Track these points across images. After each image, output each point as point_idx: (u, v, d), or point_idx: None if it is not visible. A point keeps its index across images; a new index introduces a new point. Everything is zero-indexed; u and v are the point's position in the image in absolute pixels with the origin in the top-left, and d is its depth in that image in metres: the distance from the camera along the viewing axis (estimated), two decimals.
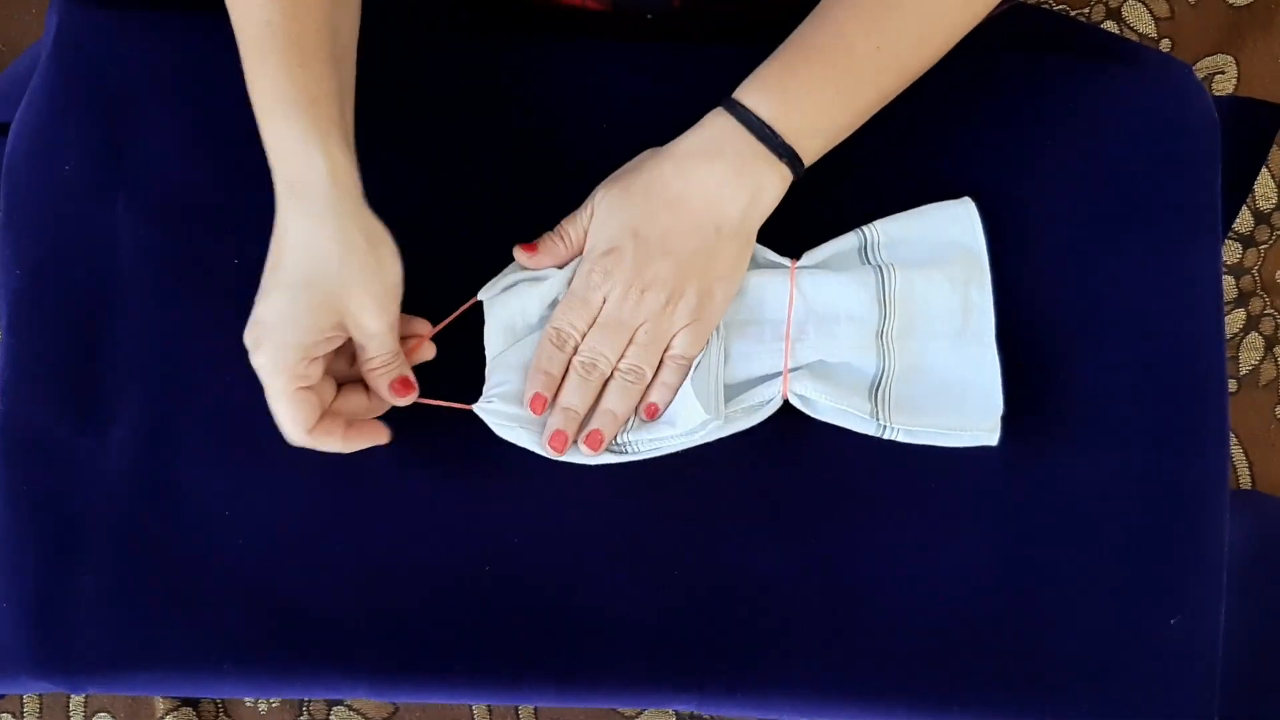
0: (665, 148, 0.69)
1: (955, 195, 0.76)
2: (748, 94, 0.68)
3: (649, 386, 0.70)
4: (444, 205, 0.75)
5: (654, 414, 0.70)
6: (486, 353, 0.71)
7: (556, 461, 0.70)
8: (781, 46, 0.69)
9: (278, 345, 0.64)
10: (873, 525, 0.74)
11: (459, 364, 0.71)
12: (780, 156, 0.67)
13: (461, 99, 0.76)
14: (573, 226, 0.70)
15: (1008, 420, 0.72)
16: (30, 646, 0.71)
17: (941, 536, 0.74)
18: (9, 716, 1.30)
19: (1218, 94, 1.40)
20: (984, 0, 0.68)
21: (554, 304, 0.71)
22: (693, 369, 0.70)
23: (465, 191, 0.75)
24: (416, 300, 0.71)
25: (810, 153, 0.68)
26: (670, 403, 0.70)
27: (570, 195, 0.71)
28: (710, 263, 0.68)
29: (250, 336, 0.65)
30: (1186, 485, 0.76)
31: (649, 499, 0.73)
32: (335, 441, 0.67)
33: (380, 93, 0.73)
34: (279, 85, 0.63)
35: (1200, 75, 1.39)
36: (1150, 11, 1.43)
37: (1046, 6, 1.42)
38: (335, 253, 0.63)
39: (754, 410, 0.71)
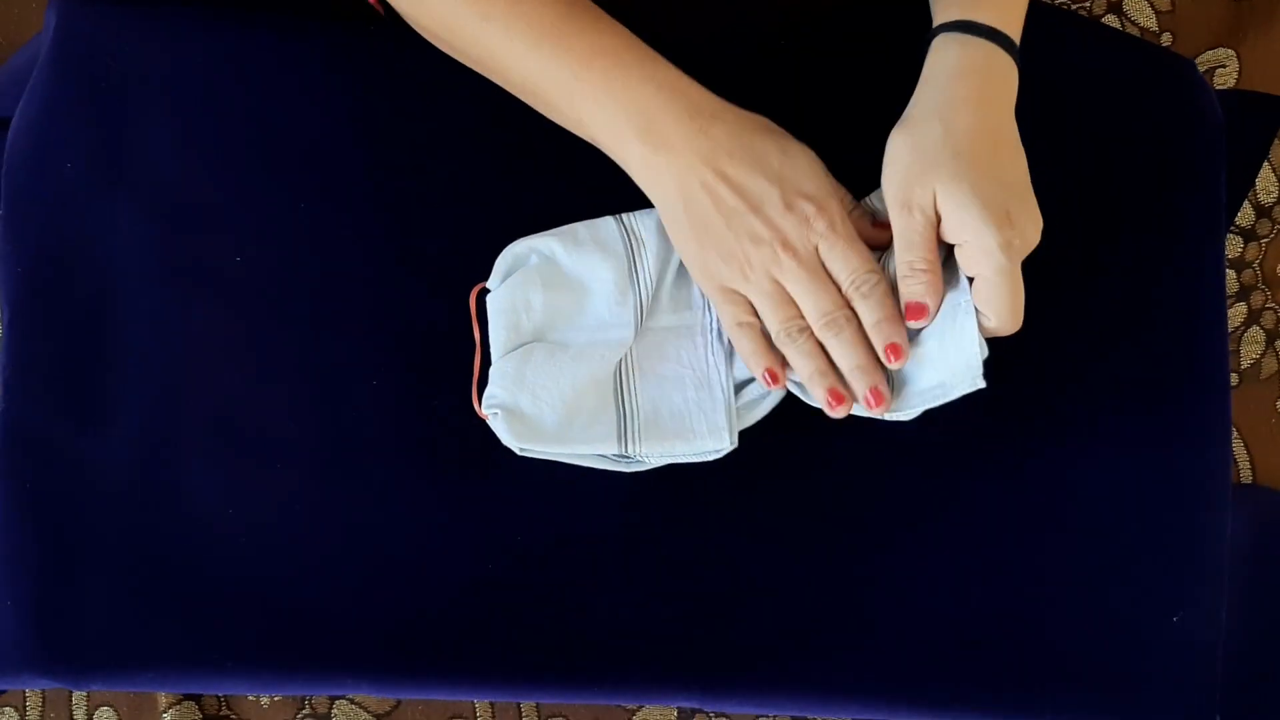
0: (932, 103, 0.66)
1: None
2: (972, 9, 0.67)
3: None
4: (436, 199, 0.75)
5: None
6: (492, 350, 0.71)
7: (559, 463, 0.70)
8: None
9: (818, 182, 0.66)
10: (874, 525, 0.74)
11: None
12: (1013, 57, 0.67)
13: (452, 88, 0.75)
14: (912, 247, 0.66)
15: (1009, 418, 0.72)
16: (33, 643, 0.71)
17: (942, 535, 0.74)
18: (11, 711, 1.30)
19: (1219, 88, 1.40)
20: None
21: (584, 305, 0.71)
22: (710, 390, 0.70)
23: (465, 183, 0.75)
24: (420, 296, 0.71)
25: (1018, 44, 0.68)
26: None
27: (564, 187, 0.71)
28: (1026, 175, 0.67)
29: (777, 194, 0.65)
30: (1188, 480, 0.76)
31: (652, 500, 0.73)
32: None
33: (376, 88, 0.73)
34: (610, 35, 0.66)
35: (1202, 69, 1.39)
36: (1151, 5, 1.42)
37: (1048, 1, 1.41)
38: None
39: (756, 404, 0.71)
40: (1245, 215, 1.41)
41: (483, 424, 0.70)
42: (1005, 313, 0.64)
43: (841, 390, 0.67)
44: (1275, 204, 1.42)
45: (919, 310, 0.66)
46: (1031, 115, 0.76)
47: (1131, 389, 0.76)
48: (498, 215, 0.73)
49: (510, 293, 0.71)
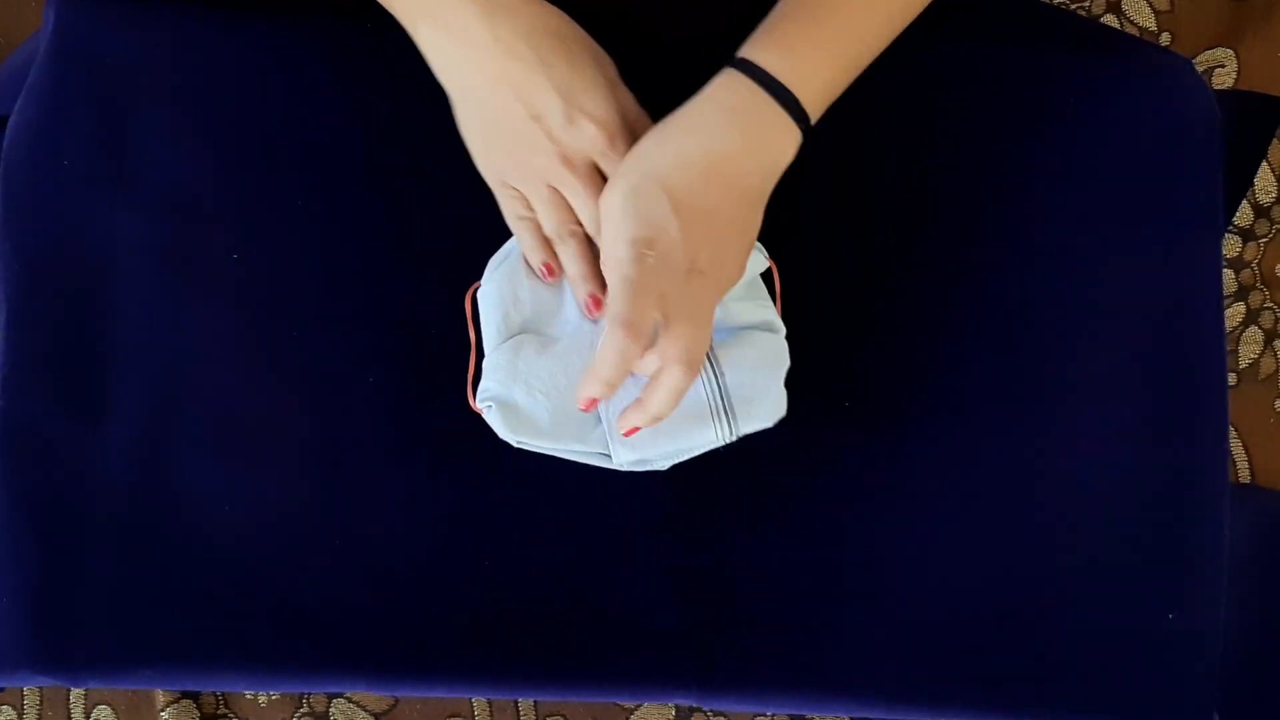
0: (674, 118, 0.65)
1: (950, 189, 0.76)
2: (758, 52, 0.65)
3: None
4: (419, 197, 0.75)
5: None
6: (485, 344, 0.71)
7: (557, 461, 0.70)
8: (780, 4, 0.67)
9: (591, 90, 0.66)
10: (872, 523, 0.74)
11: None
12: (793, 116, 0.65)
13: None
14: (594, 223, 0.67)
15: (1006, 417, 0.73)
16: (31, 641, 0.71)
17: (940, 534, 0.74)
18: (9, 709, 1.30)
19: (1217, 87, 1.40)
20: None
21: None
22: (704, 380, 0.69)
23: (464, 181, 0.74)
24: (418, 295, 0.71)
25: (816, 111, 0.66)
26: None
27: None
28: (745, 231, 0.66)
29: (560, 108, 0.65)
30: (1186, 480, 0.76)
31: (650, 496, 0.73)
32: None
33: (354, 85, 0.73)
34: None
35: (1200, 69, 1.39)
36: (1150, 4, 1.42)
37: (1046, 0, 1.41)
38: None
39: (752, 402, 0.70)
40: (1244, 215, 1.41)
41: (481, 423, 0.70)
42: (611, 335, 0.60)
43: (602, 297, 0.68)
44: (1273, 204, 1.42)
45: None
46: (1030, 114, 0.77)
47: (1129, 388, 0.76)
48: (496, 213, 0.72)
49: (498, 286, 0.71)
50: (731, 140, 0.64)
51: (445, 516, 0.73)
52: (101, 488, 0.72)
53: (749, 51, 0.65)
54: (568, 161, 0.66)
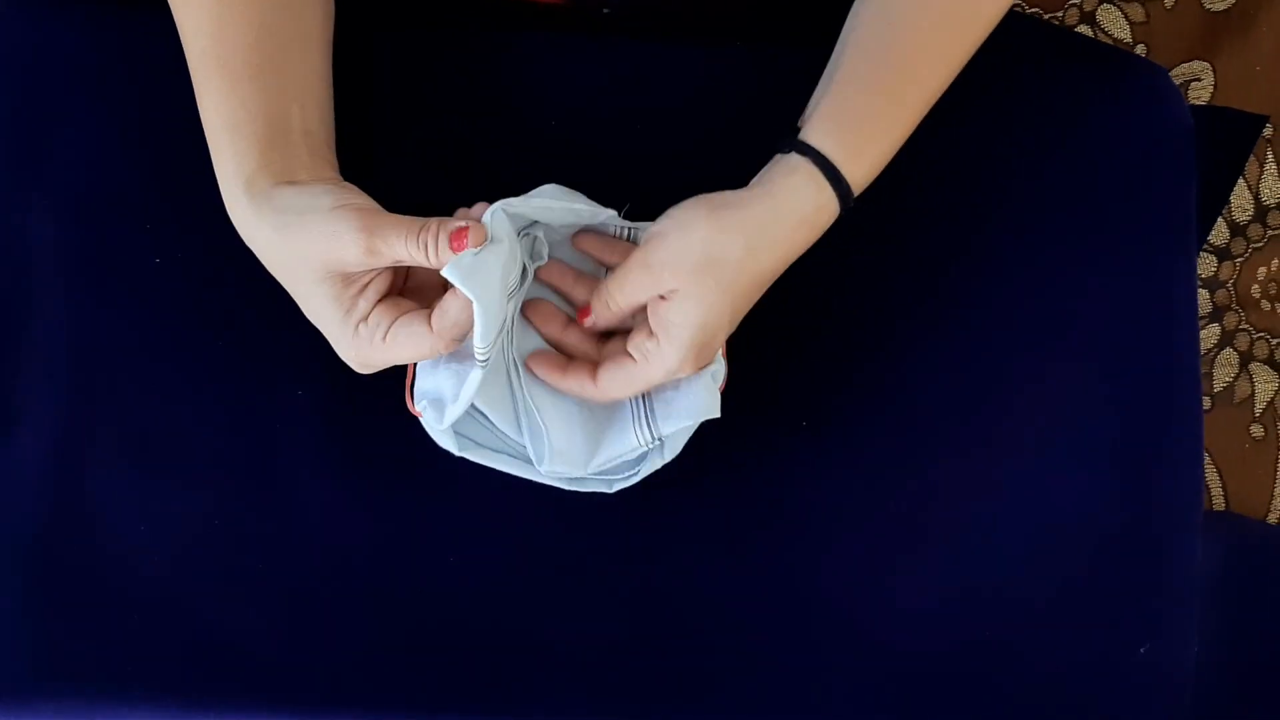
0: (747, 210, 0.63)
1: (917, 201, 0.75)
2: (819, 135, 0.63)
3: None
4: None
5: None
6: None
7: (497, 480, 0.68)
8: (838, 73, 0.66)
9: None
10: (829, 548, 0.73)
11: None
12: (843, 203, 0.64)
13: (416, 93, 0.75)
14: (623, 293, 0.64)
15: (974, 441, 0.73)
16: None
17: (902, 560, 0.73)
18: None
19: (1194, 102, 1.40)
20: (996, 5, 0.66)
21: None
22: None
23: (398, 180, 0.72)
24: None
25: (860, 189, 0.65)
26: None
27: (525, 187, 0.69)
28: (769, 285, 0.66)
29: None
30: (1158, 507, 0.75)
31: (593, 521, 0.72)
32: (421, 328, 0.61)
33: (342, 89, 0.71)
34: (211, 112, 0.62)
35: (1176, 82, 1.38)
36: (1125, 16, 1.43)
37: (1019, 10, 1.40)
38: (275, 240, 0.60)
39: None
40: (1219, 233, 1.41)
41: (422, 437, 0.68)
42: (604, 391, 0.64)
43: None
44: (1250, 222, 1.42)
45: (585, 313, 0.67)
46: (1001, 126, 0.77)
47: (1102, 412, 0.75)
48: (439, 213, 0.70)
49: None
50: (799, 245, 0.64)
51: (377, 540, 0.71)
52: (8, 503, 0.70)
53: (818, 136, 0.64)
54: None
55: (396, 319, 0.60)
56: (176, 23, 0.63)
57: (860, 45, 0.66)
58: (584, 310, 0.67)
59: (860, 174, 0.64)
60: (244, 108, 0.61)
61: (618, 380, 0.64)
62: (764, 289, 0.64)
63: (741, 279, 0.62)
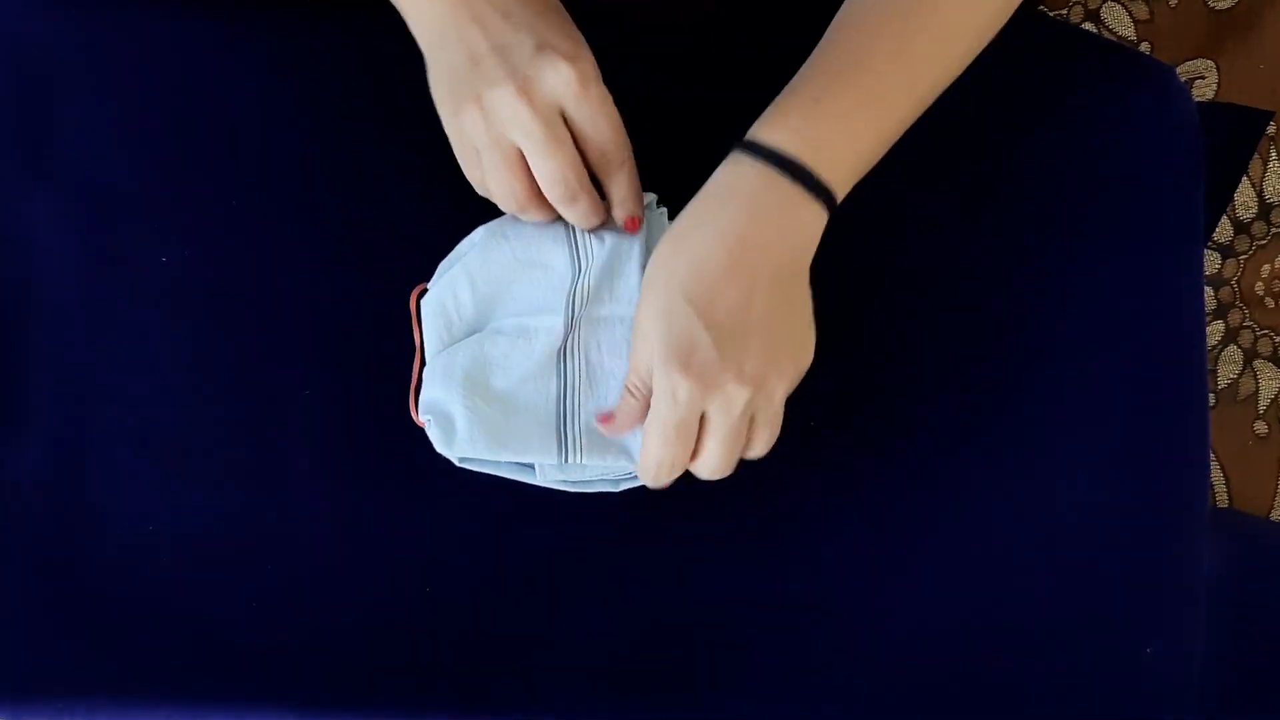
0: (683, 216, 0.63)
1: (923, 199, 0.75)
2: (763, 131, 0.62)
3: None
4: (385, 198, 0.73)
5: None
6: (426, 352, 0.69)
7: (502, 482, 0.68)
8: (797, 77, 0.65)
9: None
10: (839, 549, 0.73)
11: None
12: (809, 189, 0.62)
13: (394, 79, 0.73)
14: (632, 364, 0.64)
15: (978, 440, 0.72)
16: None
17: (910, 561, 0.73)
18: None
19: (1198, 99, 1.40)
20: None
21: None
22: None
23: (412, 181, 0.73)
24: (358, 301, 0.68)
25: (842, 181, 0.64)
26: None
27: None
28: (791, 314, 0.64)
29: (529, 40, 0.61)
30: (1163, 505, 0.75)
31: (599, 521, 0.71)
32: None
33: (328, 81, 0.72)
34: None
35: (1181, 80, 1.38)
36: (1129, 14, 1.43)
37: (1026, 6, 1.40)
38: None
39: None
40: (1224, 231, 1.42)
41: (421, 439, 0.68)
42: (648, 457, 0.63)
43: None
44: (1254, 220, 1.42)
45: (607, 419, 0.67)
46: (1007, 122, 0.77)
47: (1107, 410, 0.75)
48: (440, 216, 0.71)
49: (440, 292, 0.69)
50: (742, 225, 0.61)
51: (384, 540, 0.71)
52: (15, 504, 0.70)
53: (754, 133, 0.63)
54: (527, 96, 0.60)
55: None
56: None
57: (825, 43, 0.66)
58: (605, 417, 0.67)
59: (783, 136, 0.62)
60: None
61: (622, 413, 0.64)
62: (741, 261, 0.61)
63: (679, 261, 0.61)
